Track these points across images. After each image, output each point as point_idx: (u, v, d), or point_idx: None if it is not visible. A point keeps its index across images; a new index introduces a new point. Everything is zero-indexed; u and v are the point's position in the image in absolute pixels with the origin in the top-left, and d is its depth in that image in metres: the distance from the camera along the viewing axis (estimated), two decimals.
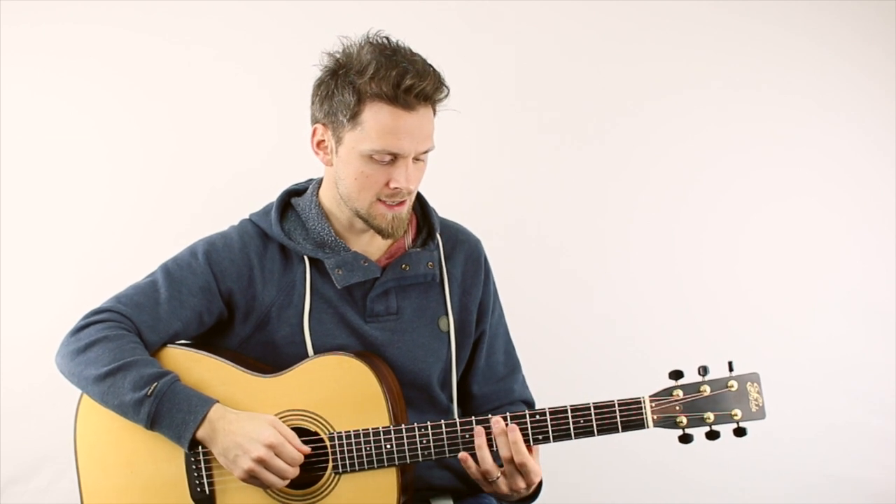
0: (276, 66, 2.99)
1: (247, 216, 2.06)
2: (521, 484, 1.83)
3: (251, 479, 1.81)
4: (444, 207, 2.13)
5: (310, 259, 1.98)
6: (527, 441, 1.82)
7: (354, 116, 1.85)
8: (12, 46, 3.01)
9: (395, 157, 1.85)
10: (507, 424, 1.81)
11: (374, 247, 2.00)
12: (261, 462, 1.79)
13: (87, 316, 1.93)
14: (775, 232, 3.16)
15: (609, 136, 3.18)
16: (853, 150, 3.17)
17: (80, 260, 3.03)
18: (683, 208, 3.17)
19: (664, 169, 3.17)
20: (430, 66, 1.87)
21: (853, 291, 3.15)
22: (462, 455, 1.82)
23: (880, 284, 3.15)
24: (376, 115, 1.83)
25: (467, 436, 1.82)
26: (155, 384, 1.83)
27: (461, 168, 3.09)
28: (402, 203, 1.90)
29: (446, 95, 1.89)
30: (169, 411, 1.82)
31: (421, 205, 2.08)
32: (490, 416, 1.83)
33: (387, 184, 1.87)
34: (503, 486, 1.84)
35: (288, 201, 2.06)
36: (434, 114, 1.90)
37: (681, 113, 3.17)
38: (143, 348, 1.89)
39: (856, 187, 3.17)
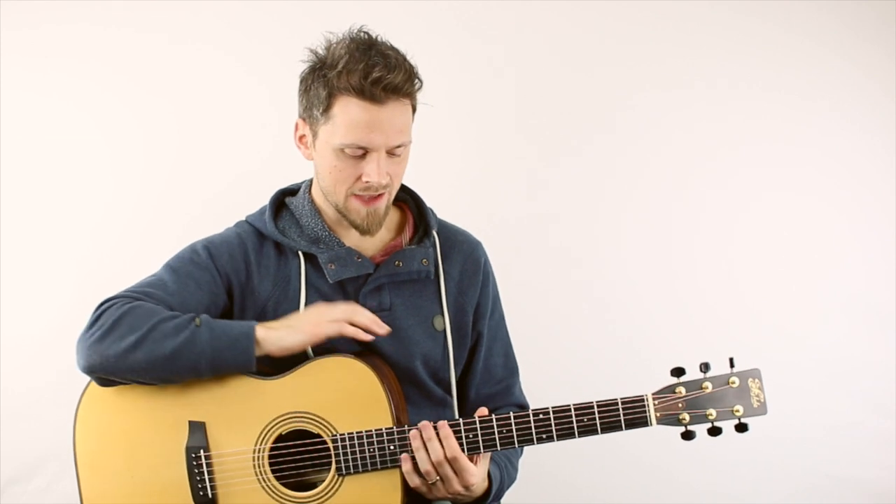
0: (277, 67, 2.96)
1: (243, 218, 2.07)
2: (458, 487, 1.83)
3: (344, 323, 1.86)
4: (440, 208, 2.13)
5: (304, 254, 1.98)
6: (529, 441, 1.82)
7: (326, 111, 1.86)
8: (13, 47, 3.01)
9: (366, 151, 1.85)
10: (437, 429, 1.83)
11: (367, 242, 2.00)
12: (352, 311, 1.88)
13: (96, 308, 1.88)
14: (776, 233, 3.17)
15: (608, 135, 3.18)
16: (853, 150, 3.18)
17: (80, 260, 3.04)
18: (684, 208, 3.17)
19: (664, 169, 3.17)
20: (404, 59, 1.86)
21: (854, 292, 3.15)
22: (403, 456, 1.82)
23: (881, 285, 3.15)
24: (345, 109, 1.83)
25: (471, 435, 1.82)
26: (196, 318, 1.83)
27: (458, 169, 3.11)
28: (377, 198, 1.90)
29: (419, 88, 1.88)
30: (223, 329, 1.83)
31: (416, 204, 2.08)
32: (493, 415, 1.83)
33: (359, 178, 1.87)
34: (441, 489, 1.84)
35: (282, 201, 2.07)
36: (413, 109, 1.90)
37: (680, 112, 3.17)
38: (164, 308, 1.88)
39: (856, 187, 3.17)
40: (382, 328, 1.89)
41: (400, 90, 1.82)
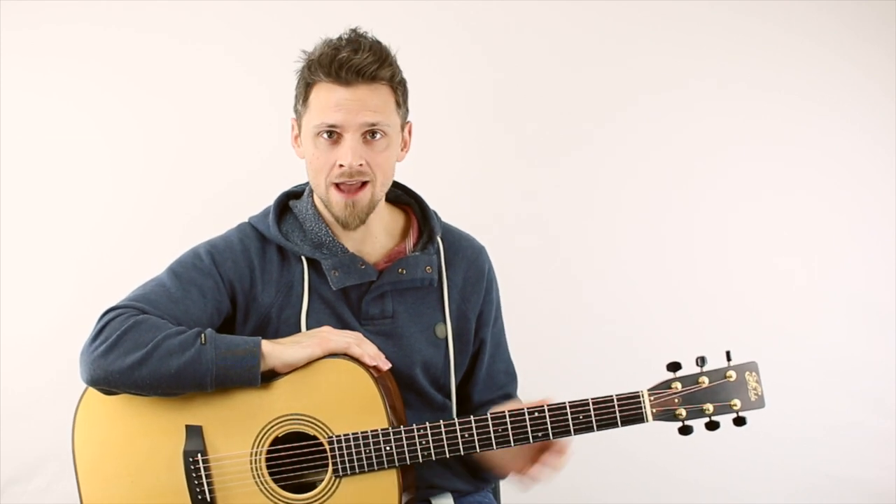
0: (277, 67, 2.95)
1: (246, 219, 2.06)
2: None
3: (352, 343, 1.85)
4: (440, 209, 2.12)
5: (308, 259, 1.97)
6: (525, 439, 1.81)
7: (305, 100, 1.90)
8: (13, 47, 3.02)
9: (340, 136, 1.87)
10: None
11: (369, 247, 1.99)
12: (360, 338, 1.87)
13: (99, 319, 1.86)
14: (776, 232, 3.17)
15: (608, 135, 3.19)
16: (853, 150, 3.18)
17: (80, 260, 3.04)
18: (684, 208, 3.18)
19: (664, 168, 3.18)
20: (377, 45, 1.88)
21: (854, 292, 3.16)
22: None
23: (881, 285, 3.16)
24: (318, 93, 1.88)
25: (466, 435, 1.82)
26: (202, 335, 1.81)
27: (458, 169, 3.11)
28: (357, 189, 1.89)
29: (392, 76, 1.89)
30: (228, 346, 1.81)
31: (421, 208, 2.07)
32: (489, 414, 1.82)
33: (335, 164, 1.87)
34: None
35: (286, 204, 2.06)
36: (395, 98, 1.90)
37: (680, 112, 3.18)
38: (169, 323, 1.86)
39: (856, 186, 3.18)
40: (385, 364, 1.89)
41: (365, 73, 1.84)
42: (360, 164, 1.86)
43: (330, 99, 1.85)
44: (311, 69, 1.88)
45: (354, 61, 1.83)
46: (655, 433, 1.89)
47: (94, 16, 3.04)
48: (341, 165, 1.86)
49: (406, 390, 1.96)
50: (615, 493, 3.15)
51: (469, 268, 2.06)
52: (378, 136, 1.88)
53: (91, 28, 3.04)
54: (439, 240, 2.04)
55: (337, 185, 1.89)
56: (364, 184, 1.89)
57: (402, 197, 2.08)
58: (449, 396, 2.05)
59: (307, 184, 2.05)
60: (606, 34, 3.18)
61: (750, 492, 3.15)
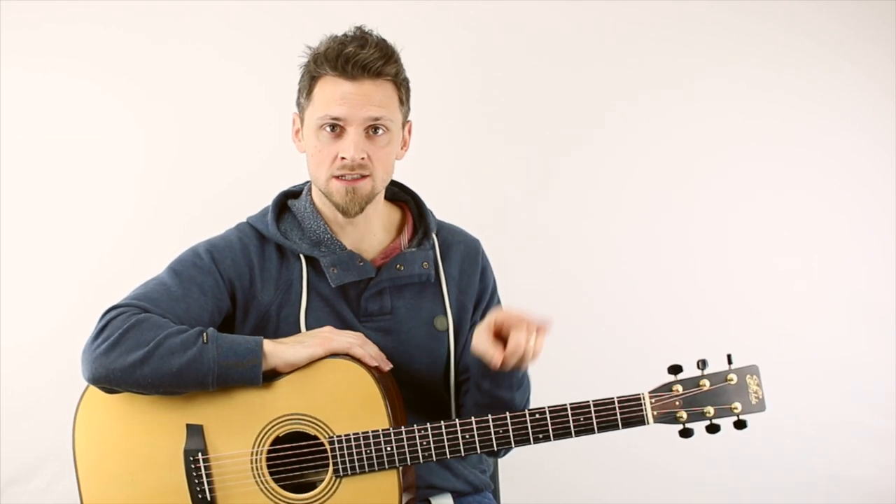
0: (277, 67, 2.96)
1: (244, 219, 2.06)
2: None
3: (355, 344, 1.87)
4: (440, 208, 2.13)
5: (306, 257, 1.98)
6: (526, 440, 1.81)
7: (309, 94, 1.92)
8: (13, 47, 3.01)
9: (342, 129, 1.89)
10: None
11: (367, 244, 2.01)
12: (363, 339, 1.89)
13: (101, 318, 1.86)
14: (776, 232, 3.17)
15: (608, 135, 3.18)
16: (853, 150, 3.18)
17: (80, 260, 3.04)
18: (684, 207, 3.18)
19: (663, 168, 3.17)
20: (383, 42, 1.91)
21: (854, 292, 3.15)
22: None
23: (880, 284, 3.16)
24: (322, 87, 1.90)
25: (467, 436, 1.82)
26: (203, 333, 1.82)
27: (458, 169, 3.11)
28: (357, 180, 1.91)
29: (396, 73, 1.91)
30: (231, 345, 1.82)
31: (417, 205, 2.09)
32: (489, 416, 1.82)
33: (337, 157, 1.89)
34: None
35: (284, 203, 2.07)
36: (398, 95, 1.93)
37: (680, 112, 3.18)
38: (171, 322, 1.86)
39: (856, 186, 3.18)
40: (387, 364, 1.90)
41: (371, 68, 1.87)
42: (362, 158, 1.88)
43: (335, 92, 1.87)
44: (316, 63, 1.89)
45: (361, 56, 1.86)
46: (655, 433, 1.89)
47: (94, 16, 3.04)
48: (343, 158, 1.88)
49: (406, 387, 1.96)
50: (613, 491, 3.15)
51: (463, 260, 2.08)
52: (380, 131, 1.90)
53: (91, 28, 3.04)
54: (434, 236, 2.06)
55: (337, 177, 1.90)
56: (364, 176, 1.91)
57: (398, 194, 2.10)
58: (448, 390, 2.05)
59: (305, 183, 2.07)
60: (606, 34, 3.18)
61: (749, 490, 3.15)
